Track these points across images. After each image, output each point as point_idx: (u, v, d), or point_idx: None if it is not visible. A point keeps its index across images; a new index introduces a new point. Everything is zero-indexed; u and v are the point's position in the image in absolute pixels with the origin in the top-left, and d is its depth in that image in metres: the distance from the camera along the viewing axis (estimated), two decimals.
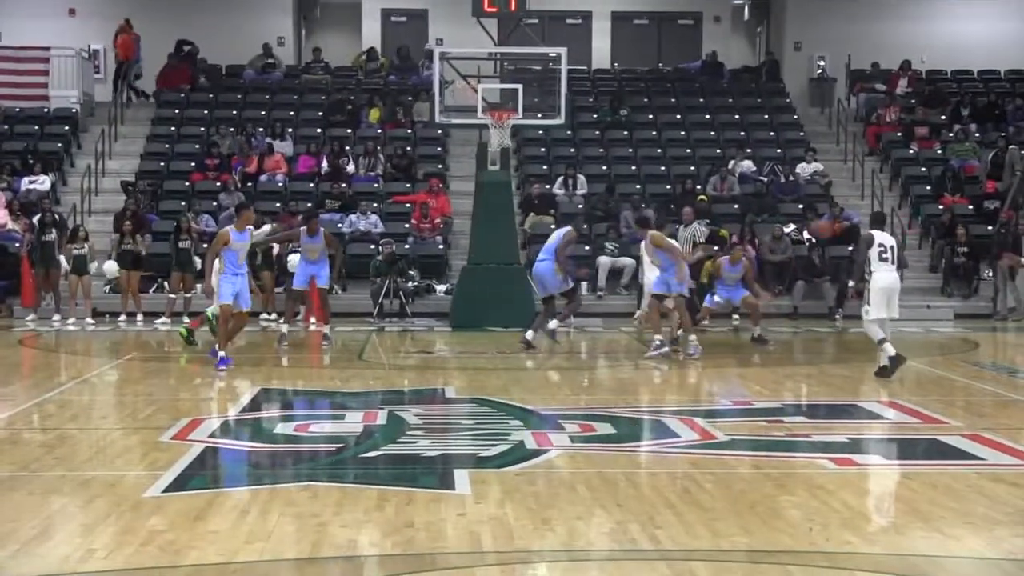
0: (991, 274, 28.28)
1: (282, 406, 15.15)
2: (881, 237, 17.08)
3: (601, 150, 33.74)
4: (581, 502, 9.51)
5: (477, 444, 12.17)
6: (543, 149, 33.60)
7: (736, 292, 21.85)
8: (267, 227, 21.54)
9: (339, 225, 29.23)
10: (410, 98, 35.39)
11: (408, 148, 33.14)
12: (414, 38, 38.53)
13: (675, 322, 20.30)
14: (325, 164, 32.07)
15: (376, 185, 31.61)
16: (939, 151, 33.57)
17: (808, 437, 12.87)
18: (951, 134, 34.25)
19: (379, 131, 34.21)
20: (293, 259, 24.60)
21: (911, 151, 33.85)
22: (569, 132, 33.15)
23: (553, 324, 21.19)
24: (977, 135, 34.15)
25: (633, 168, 32.92)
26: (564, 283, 20.81)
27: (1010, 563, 7.95)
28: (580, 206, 30.63)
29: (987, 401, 15.78)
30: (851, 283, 16.95)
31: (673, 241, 20.61)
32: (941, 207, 30.74)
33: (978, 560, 8.06)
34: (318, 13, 41.60)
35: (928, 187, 32.04)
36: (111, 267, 26.59)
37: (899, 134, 34.54)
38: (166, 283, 26.76)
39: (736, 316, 25.97)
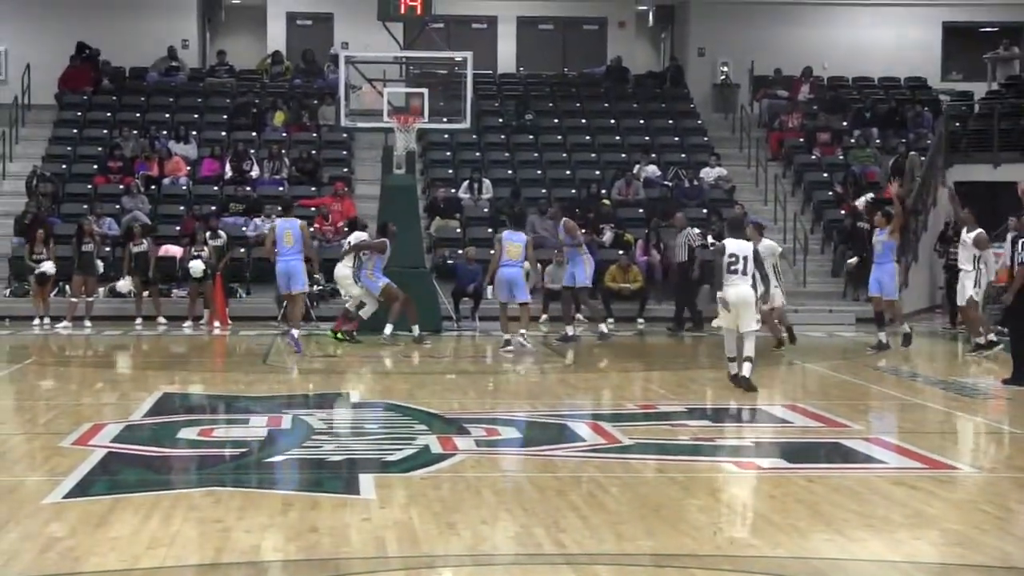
0: None
1: (185, 410, 14.99)
2: (734, 246, 16.10)
3: (506, 154, 33.77)
4: (486, 506, 9.49)
5: (382, 448, 12.11)
6: (449, 153, 33.58)
7: None
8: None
9: (243, 228, 29.03)
10: (315, 101, 35.22)
11: (313, 152, 32.99)
12: (319, 41, 38.33)
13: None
14: (229, 168, 31.83)
15: (281, 189, 31.41)
16: (841, 157, 33.91)
17: (712, 441, 12.94)
18: (852, 140, 34.60)
19: (284, 135, 34.01)
20: (196, 265, 24.75)
21: (813, 157, 34.17)
22: (475, 136, 33.16)
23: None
24: (878, 141, 34.53)
25: (538, 172, 32.98)
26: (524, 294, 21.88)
27: (910, 565, 8.02)
28: (486, 210, 30.63)
29: (888, 405, 15.95)
30: (719, 293, 16.38)
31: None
32: (843, 212, 31.02)
33: (879, 563, 8.12)
34: (223, 16, 41.30)
35: (830, 192, 32.33)
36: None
37: (801, 140, 34.85)
38: (67, 287, 26.40)
39: (640, 321, 26.10)
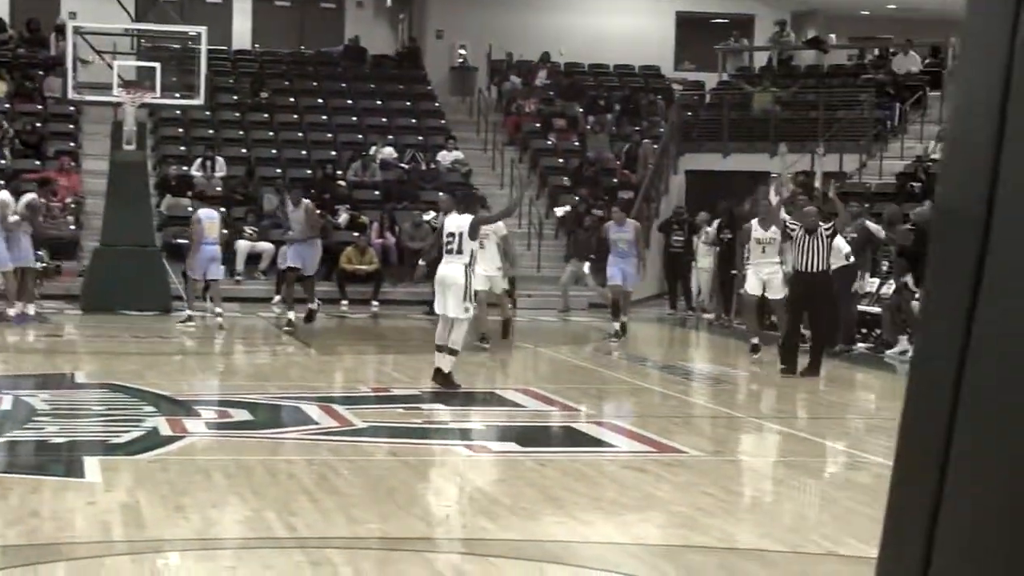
0: None
1: None
2: (452, 223, 14.97)
3: (241, 132, 33.39)
4: (216, 490, 9.41)
5: (108, 431, 11.90)
6: (181, 129, 33.04)
7: None
8: None
9: None
10: (41, 72, 34.28)
11: (38, 124, 32.11)
12: (45, 10, 37.27)
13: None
14: None
15: (3, 162, 30.51)
16: (576, 143, 34.40)
17: (445, 424, 13.05)
18: (588, 126, 35.12)
19: (7, 106, 33.03)
20: None
21: (549, 142, 34.59)
22: (208, 113, 32.69)
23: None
24: (613, 128, 35.12)
25: (274, 151, 32.69)
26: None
27: (638, 547, 8.21)
28: (219, 189, 30.24)
29: (619, 389, 16.28)
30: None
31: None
32: (577, 198, 31.46)
33: (609, 545, 8.30)
34: None
35: (565, 178, 32.76)
36: None
37: (538, 125, 35.24)
38: None
39: (375, 303, 26.09)
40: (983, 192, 1.33)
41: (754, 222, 18.67)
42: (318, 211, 24.14)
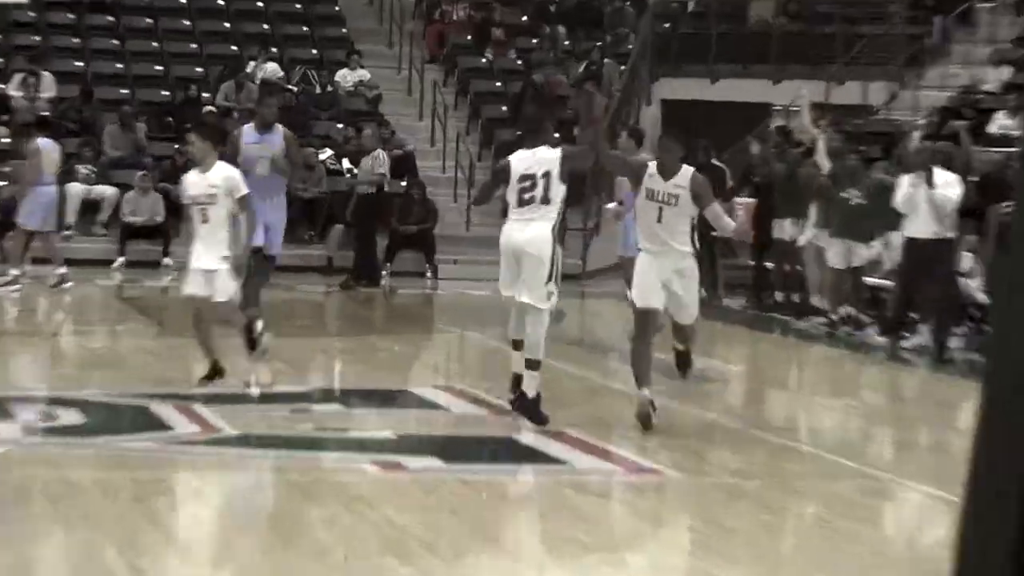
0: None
1: None
2: (524, 162, 12.64)
3: (76, 40, 33.11)
4: (37, 518, 9.28)
5: None
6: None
7: None
8: None
9: None
10: None
11: None
12: None
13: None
14: None
15: None
16: (518, 61, 34.22)
17: (344, 432, 12.94)
18: (535, 40, 34.94)
19: None
20: None
21: (484, 60, 34.37)
22: (33, 15, 32.44)
23: None
24: (567, 43, 34.96)
25: (120, 67, 32.43)
26: None
27: None
28: (45, 113, 29.98)
29: (572, 388, 16.12)
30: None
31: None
32: (519, 133, 31.36)
33: None
34: None
35: (504, 107, 32.59)
36: None
37: (469, 37, 35.06)
38: None
39: None
40: None
41: (652, 164, 13.20)
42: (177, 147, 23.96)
